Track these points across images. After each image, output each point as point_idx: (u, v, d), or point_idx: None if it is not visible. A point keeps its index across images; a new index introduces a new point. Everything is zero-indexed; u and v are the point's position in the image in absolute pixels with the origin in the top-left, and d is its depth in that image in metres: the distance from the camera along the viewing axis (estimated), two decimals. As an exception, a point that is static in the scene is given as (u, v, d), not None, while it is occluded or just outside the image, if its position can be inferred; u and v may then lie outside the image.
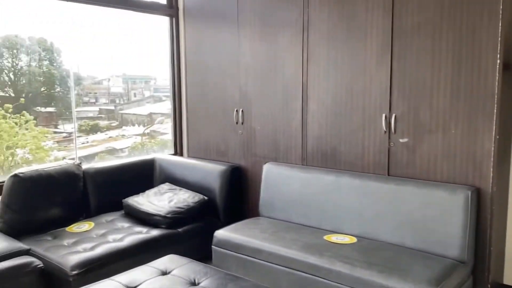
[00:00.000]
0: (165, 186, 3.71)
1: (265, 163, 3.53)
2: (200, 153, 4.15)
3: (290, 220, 3.31)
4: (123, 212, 3.51)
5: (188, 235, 3.30)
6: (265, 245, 2.86)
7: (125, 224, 3.31)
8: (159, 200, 3.46)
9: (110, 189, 3.61)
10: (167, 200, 3.44)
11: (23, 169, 3.12)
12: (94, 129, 8.81)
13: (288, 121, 3.44)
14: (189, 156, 4.31)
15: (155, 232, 3.15)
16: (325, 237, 2.92)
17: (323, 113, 3.23)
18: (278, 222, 3.31)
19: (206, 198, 3.52)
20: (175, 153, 4.42)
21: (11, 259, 2.65)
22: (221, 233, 3.12)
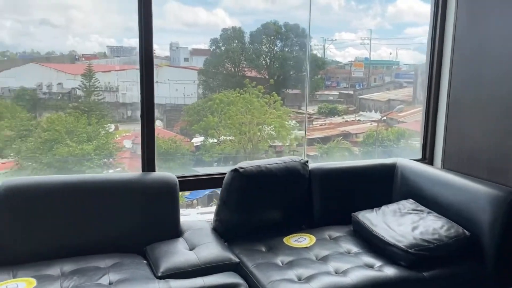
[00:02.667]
0: (408, 204, 2.71)
1: None
2: (462, 165, 2.94)
3: None
4: (351, 228, 2.67)
5: (437, 283, 2.25)
6: None
7: (352, 248, 2.47)
8: (399, 224, 2.49)
9: (339, 196, 2.81)
10: (410, 226, 2.44)
11: (244, 163, 2.58)
12: (332, 112, 8.31)
13: None
14: (443, 166, 3.13)
15: (390, 271, 2.22)
16: None
17: None
18: None
19: (467, 233, 2.38)
20: (423, 159, 3.29)
21: (217, 275, 2.14)
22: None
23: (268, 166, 2.61)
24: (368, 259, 2.35)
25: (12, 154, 11.47)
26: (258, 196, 2.59)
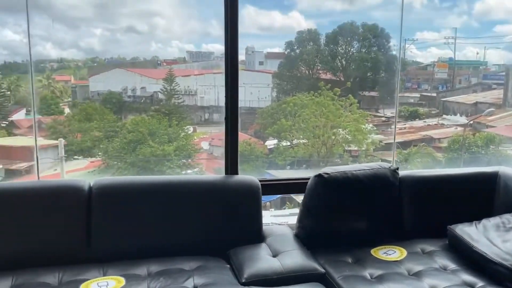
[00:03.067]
0: (514, 218, 2.41)
1: None
2: None
3: None
4: (446, 242, 2.42)
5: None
6: None
7: (449, 265, 2.23)
8: (503, 240, 2.21)
9: (432, 207, 2.57)
10: (518, 244, 2.16)
11: (328, 169, 2.44)
12: (413, 116, 7.86)
13: None
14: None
15: (495, 293, 1.97)
16: None
17: None
18: None
19: None
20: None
21: (302, 285, 2.02)
22: None
23: (354, 172, 2.44)
24: (468, 277, 2.11)
25: (99, 153, 12.24)
26: (343, 203, 2.44)
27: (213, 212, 2.31)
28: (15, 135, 9.84)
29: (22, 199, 2.06)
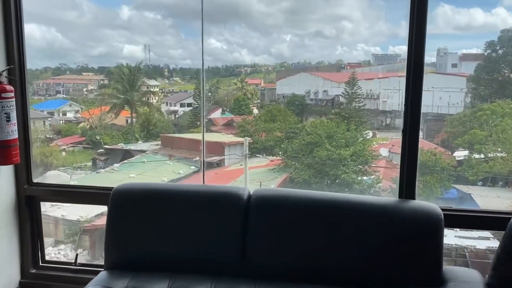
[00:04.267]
0: None
1: None
2: None
3: None
4: None
5: None
6: None
7: None
8: None
9: None
10: None
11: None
12: None
13: None
14: None
15: None
16: None
17: None
18: None
19: None
20: None
21: None
22: None
23: None
24: None
25: (280, 153, 12.70)
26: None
27: (379, 242, 1.92)
28: (211, 131, 10.96)
29: (184, 202, 2.06)
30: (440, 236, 1.91)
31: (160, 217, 2.04)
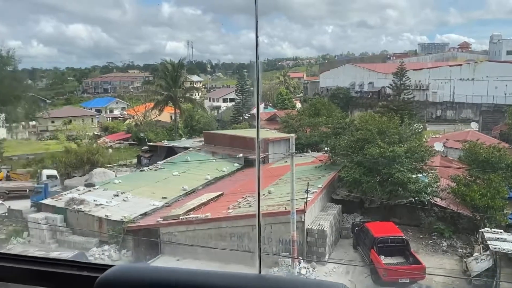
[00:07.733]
0: None
1: None
2: None
3: None
4: None
5: None
6: None
7: None
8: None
9: None
10: None
11: None
12: None
13: None
14: None
15: None
16: None
17: None
18: None
19: None
20: None
21: None
22: None
23: None
24: None
25: (326, 149, 11.57)
26: None
27: None
28: (254, 126, 10.18)
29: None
30: None
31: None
